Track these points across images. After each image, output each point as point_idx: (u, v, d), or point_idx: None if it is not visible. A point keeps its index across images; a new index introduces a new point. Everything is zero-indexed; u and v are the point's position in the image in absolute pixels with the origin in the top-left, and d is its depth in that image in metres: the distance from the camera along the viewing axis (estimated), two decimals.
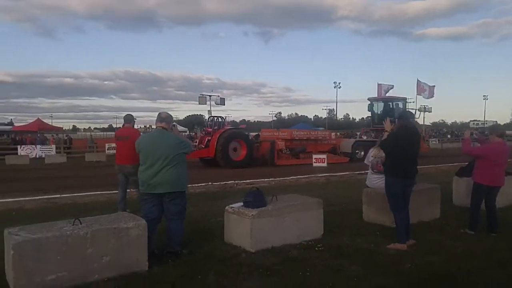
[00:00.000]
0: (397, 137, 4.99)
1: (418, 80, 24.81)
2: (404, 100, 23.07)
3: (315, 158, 18.06)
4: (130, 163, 6.60)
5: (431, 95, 25.00)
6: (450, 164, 16.69)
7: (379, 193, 6.01)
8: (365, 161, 6.76)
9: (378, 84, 24.67)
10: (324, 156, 18.18)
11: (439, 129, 69.13)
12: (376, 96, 25.31)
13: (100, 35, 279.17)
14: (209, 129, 18.26)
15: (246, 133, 19.75)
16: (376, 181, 6.35)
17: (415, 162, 5.12)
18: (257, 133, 22.44)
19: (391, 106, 22.71)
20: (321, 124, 64.58)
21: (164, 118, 4.74)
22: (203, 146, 17.46)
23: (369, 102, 24.20)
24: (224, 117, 19.77)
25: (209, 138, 17.42)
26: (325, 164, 17.37)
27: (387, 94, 24.70)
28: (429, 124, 74.71)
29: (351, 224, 6.08)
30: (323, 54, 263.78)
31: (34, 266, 3.49)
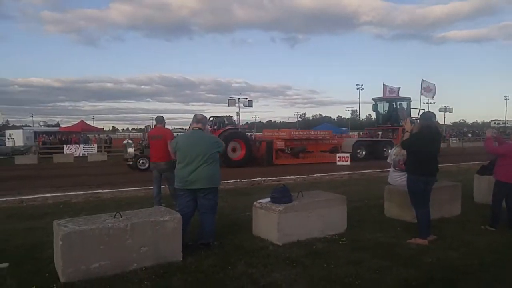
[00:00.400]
0: (419, 137, 4.91)
1: (422, 79, 23.46)
2: (408, 100, 22.23)
3: (338, 157, 17.77)
4: (164, 160, 6.75)
5: (434, 94, 23.73)
6: (470, 163, 16.22)
7: (400, 190, 5.91)
8: (388, 160, 6.66)
9: (383, 84, 23.87)
10: (347, 155, 17.87)
11: (459, 128, 67.21)
12: (381, 96, 24.71)
13: (138, 43, 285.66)
14: (210, 129, 18.09)
15: (248, 133, 19.15)
16: (397, 178, 6.25)
17: (436, 161, 5.02)
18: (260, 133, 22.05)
19: (395, 106, 22.03)
20: (344, 124, 63.85)
21: (200, 120, 4.86)
22: None
23: (373, 102, 23.58)
24: (228, 116, 19.17)
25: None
26: (348, 162, 17.10)
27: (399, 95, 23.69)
28: (450, 124, 72.80)
29: (373, 219, 6.01)
30: (346, 57, 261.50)
31: (80, 255, 3.59)
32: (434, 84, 23.56)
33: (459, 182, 6.95)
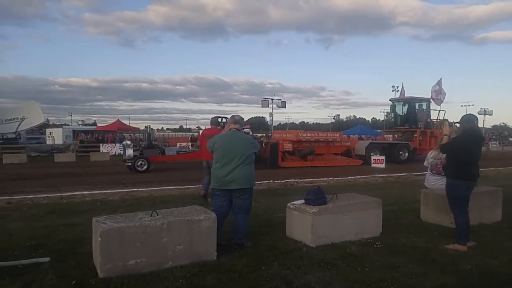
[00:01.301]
0: (461, 140, 4.76)
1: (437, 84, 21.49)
2: (428, 101, 21.07)
3: (373, 159, 17.36)
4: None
5: (442, 100, 21.30)
6: (511, 167, 15.54)
7: (437, 193, 5.77)
8: (424, 163, 6.48)
9: (402, 84, 22.63)
10: (382, 157, 17.40)
11: (500, 132, 64.53)
12: (399, 96, 23.71)
13: (174, 44, 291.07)
14: (203, 131, 17.77)
15: (251, 134, 18.60)
16: (434, 182, 6.09)
17: (478, 165, 4.86)
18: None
19: (415, 107, 21.08)
20: (379, 126, 62.59)
21: (238, 120, 4.93)
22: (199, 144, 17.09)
23: (391, 103, 22.72)
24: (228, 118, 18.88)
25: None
26: (383, 165, 16.65)
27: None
28: (490, 127, 70.03)
29: (409, 223, 5.88)
30: (382, 58, 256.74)
31: (117, 251, 3.69)
32: (444, 90, 21.58)
33: (500, 187, 6.67)
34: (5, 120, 25.89)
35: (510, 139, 50.77)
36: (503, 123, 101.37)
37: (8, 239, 5.08)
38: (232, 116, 5.00)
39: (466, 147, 4.70)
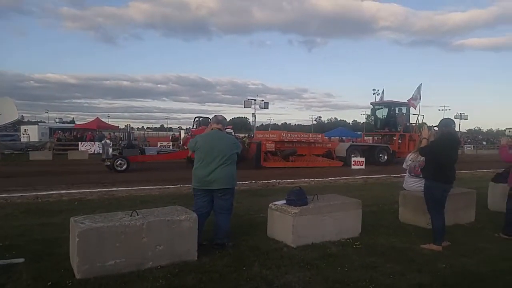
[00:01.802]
0: (439, 144, 4.89)
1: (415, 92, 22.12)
2: (407, 105, 21.67)
3: (353, 161, 17.59)
4: None
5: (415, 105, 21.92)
6: (485, 170, 16.01)
7: (415, 195, 5.91)
8: (403, 166, 6.61)
9: (383, 88, 23.11)
10: (362, 159, 17.63)
11: (474, 136, 66.34)
12: (379, 100, 24.14)
13: (156, 42, 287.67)
14: (194, 130, 17.66)
15: (233, 134, 18.76)
16: (413, 184, 6.24)
17: (454, 168, 5.00)
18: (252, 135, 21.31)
19: (395, 111, 21.57)
20: (360, 128, 63.50)
21: (220, 120, 4.92)
22: (186, 147, 16.94)
23: (371, 107, 23.20)
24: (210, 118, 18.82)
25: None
26: (363, 167, 16.89)
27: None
28: (465, 131, 71.88)
29: (387, 224, 6.00)
30: (363, 62, 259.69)
31: (96, 252, 3.63)
32: (419, 97, 22.16)
33: (474, 189, 6.88)
34: None
35: (484, 143, 52.24)
36: (478, 127, 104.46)
37: None
38: (215, 116, 5.01)
39: (444, 151, 4.83)
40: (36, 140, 29.73)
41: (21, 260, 4.04)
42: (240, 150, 4.89)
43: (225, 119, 5.06)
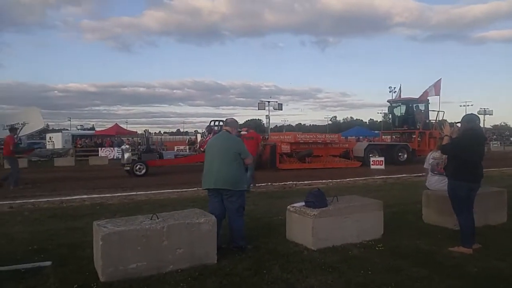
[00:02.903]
0: (463, 141, 4.69)
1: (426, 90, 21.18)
2: (426, 102, 20.93)
3: (372, 161, 17.29)
4: (253, 155, 8.62)
5: (437, 91, 20.58)
6: None
7: (440, 195, 5.71)
8: (425, 165, 6.44)
9: (400, 85, 22.41)
10: (382, 159, 17.31)
11: (500, 132, 64.48)
12: (397, 98, 23.48)
13: (171, 48, 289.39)
14: (210, 133, 17.50)
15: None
16: (436, 183, 6.05)
17: (481, 166, 4.80)
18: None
19: (413, 108, 20.96)
20: (377, 127, 62.57)
21: (228, 123, 5.00)
22: (202, 150, 16.77)
23: (389, 104, 22.69)
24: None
25: None
26: (382, 167, 16.57)
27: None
28: (490, 126, 69.99)
29: (410, 225, 5.81)
30: (378, 59, 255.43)
31: (118, 255, 3.65)
32: (439, 80, 20.87)
33: (504, 188, 6.61)
34: (7, 126, 25.77)
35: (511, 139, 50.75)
36: (504, 122, 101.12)
37: (10, 243, 5.07)
38: (225, 119, 5.16)
39: (467, 147, 4.63)
40: (60, 147, 30.40)
41: (49, 263, 4.12)
42: (245, 155, 4.75)
43: (235, 121, 5.12)
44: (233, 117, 5.16)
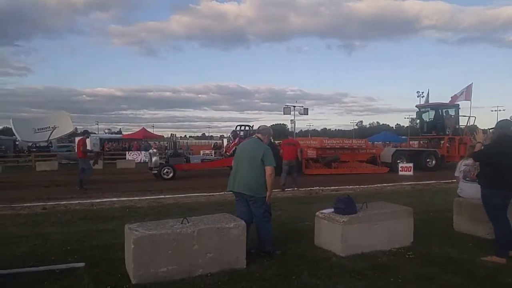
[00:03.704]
0: (496, 147, 4.57)
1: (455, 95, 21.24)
2: (456, 107, 20.42)
3: (401, 167, 16.97)
4: (293, 159, 11.50)
5: (468, 96, 20.56)
6: None
7: (472, 202, 5.57)
8: (455, 173, 6.29)
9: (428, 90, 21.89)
10: (410, 164, 16.98)
11: None
12: (425, 103, 23.01)
13: (196, 53, 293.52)
14: (236, 138, 17.74)
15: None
16: (468, 190, 5.88)
17: None
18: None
19: (441, 114, 20.39)
20: (404, 132, 61.41)
21: (261, 130, 5.05)
22: (228, 154, 16.98)
23: (417, 110, 22.11)
24: (252, 126, 18.73)
25: (236, 147, 16.50)
26: (411, 173, 16.23)
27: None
28: None
29: (441, 233, 5.70)
30: (406, 63, 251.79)
31: (149, 258, 3.72)
32: (471, 84, 20.90)
33: None
34: (38, 129, 26.67)
35: None
36: None
37: (45, 244, 5.25)
38: (259, 126, 5.21)
39: (501, 154, 4.50)
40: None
41: (82, 264, 4.24)
42: (270, 162, 4.68)
43: (267, 128, 5.14)
44: (267, 126, 5.19)
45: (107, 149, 31.26)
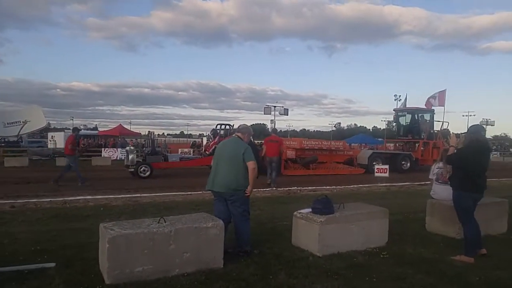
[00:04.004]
0: (468, 151, 4.73)
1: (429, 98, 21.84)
2: (431, 111, 21.05)
3: (377, 168, 17.26)
4: (276, 156, 12.11)
5: (442, 102, 21.20)
6: None
7: (444, 204, 5.77)
8: (430, 176, 6.46)
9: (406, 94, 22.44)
10: (386, 166, 17.27)
11: (501, 142, 64.43)
12: (402, 107, 23.55)
13: (177, 50, 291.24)
14: (216, 137, 17.72)
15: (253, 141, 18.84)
16: (441, 192, 6.05)
17: (485, 177, 4.84)
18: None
19: (417, 118, 21.05)
20: (380, 135, 62.58)
21: (241, 129, 5.04)
22: (208, 153, 16.99)
23: (394, 113, 22.70)
24: (232, 125, 18.79)
25: (216, 146, 16.51)
26: (387, 174, 16.52)
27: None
28: (491, 137, 69.87)
29: (414, 234, 5.86)
30: (385, 67, 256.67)
31: (125, 258, 3.67)
32: (444, 90, 21.58)
33: (506, 199, 6.65)
34: (7, 123, 25.83)
35: (511, 149, 50.73)
36: (504, 133, 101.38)
37: (13, 243, 5.06)
38: (239, 125, 5.20)
39: (472, 158, 4.67)
40: (62, 146, 30.34)
41: (53, 264, 4.11)
42: (250, 160, 4.67)
43: (247, 127, 5.12)
44: (247, 125, 5.19)
45: (82, 145, 30.50)
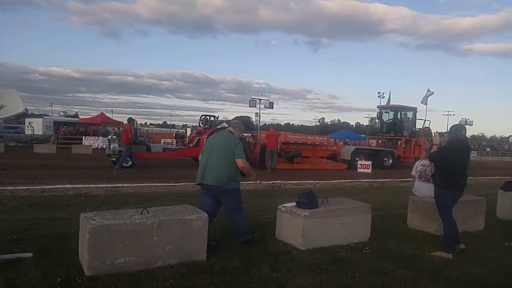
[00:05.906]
0: (449, 150, 4.85)
1: (428, 89, 22.75)
2: (414, 110, 21.54)
3: (360, 164, 17.52)
4: (275, 147, 15.00)
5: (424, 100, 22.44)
6: (490, 177, 15.92)
7: (425, 201, 5.88)
8: (412, 173, 6.56)
9: (390, 92, 23.07)
10: (369, 162, 17.53)
11: (478, 142, 66.09)
12: (386, 104, 24.05)
13: (161, 38, 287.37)
14: (200, 128, 17.68)
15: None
16: (423, 189, 6.17)
17: (466, 175, 4.95)
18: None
19: (400, 116, 21.45)
20: (363, 131, 63.30)
21: (232, 124, 5.10)
22: (191, 145, 16.95)
23: (378, 110, 23.15)
24: (217, 117, 18.80)
25: (199, 137, 16.44)
26: (369, 170, 16.80)
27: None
28: (468, 137, 71.58)
29: (396, 229, 5.96)
30: (369, 64, 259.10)
31: (106, 249, 3.60)
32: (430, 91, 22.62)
33: (483, 197, 6.81)
34: None
35: (488, 149, 52.09)
36: (481, 133, 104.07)
37: None
38: (231, 120, 5.28)
39: (452, 157, 4.79)
40: (41, 133, 29.74)
41: (30, 255, 4.00)
42: (240, 155, 4.68)
43: (240, 124, 5.16)
44: (239, 121, 5.24)
45: (62, 133, 29.91)
